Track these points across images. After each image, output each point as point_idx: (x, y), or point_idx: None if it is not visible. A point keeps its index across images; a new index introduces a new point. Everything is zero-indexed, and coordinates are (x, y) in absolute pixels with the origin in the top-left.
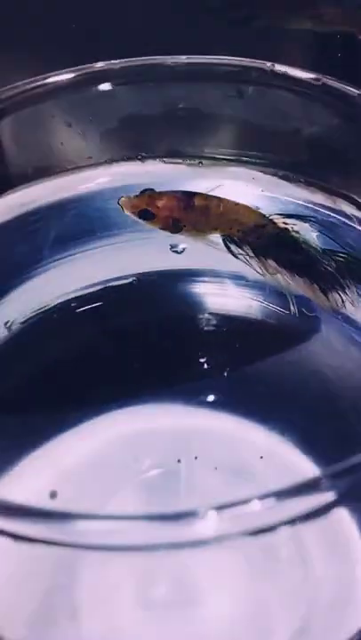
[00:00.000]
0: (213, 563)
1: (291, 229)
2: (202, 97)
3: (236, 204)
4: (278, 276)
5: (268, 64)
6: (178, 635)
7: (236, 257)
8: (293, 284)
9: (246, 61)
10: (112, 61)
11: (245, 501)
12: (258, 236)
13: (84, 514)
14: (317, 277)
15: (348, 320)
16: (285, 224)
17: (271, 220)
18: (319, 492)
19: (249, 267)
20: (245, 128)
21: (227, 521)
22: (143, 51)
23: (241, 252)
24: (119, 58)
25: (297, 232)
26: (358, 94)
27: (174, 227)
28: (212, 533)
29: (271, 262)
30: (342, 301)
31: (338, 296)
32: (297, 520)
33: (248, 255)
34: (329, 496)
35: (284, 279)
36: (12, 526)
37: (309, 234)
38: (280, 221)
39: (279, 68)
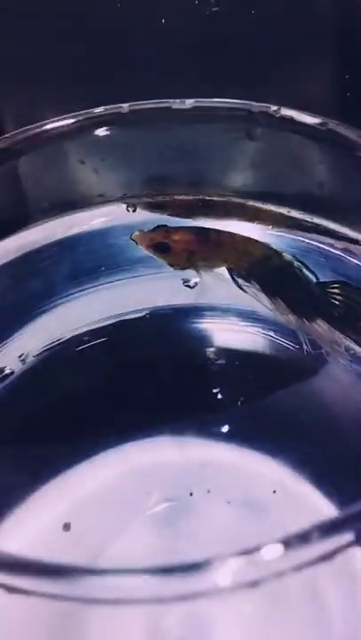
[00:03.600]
0: (224, 606)
1: (294, 264)
2: (211, 138)
3: (246, 238)
4: (289, 315)
5: (274, 108)
6: None
7: (244, 290)
8: (299, 322)
9: (253, 105)
10: (121, 105)
11: (257, 549)
12: (264, 268)
13: (84, 567)
14: (317, 316)
15: (354, 357)
16: (291, 258)
17: (276, 250)
18: (335, 535)
19: (257, 300)
20: (254, 168)
21: (239, 570)
22: (153, 93)
23: (247, 284)
24: (129, 101)
25: (300, 270)
26: None
27: (188, 260)
28: (222, 584)
29: (278, 298)
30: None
31: (339, 336)
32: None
33: (255, 288)
34: (344, 539)
35: (294, 318)
36: (7, 580)
37: (312, 274)
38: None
39: (285, 112)
